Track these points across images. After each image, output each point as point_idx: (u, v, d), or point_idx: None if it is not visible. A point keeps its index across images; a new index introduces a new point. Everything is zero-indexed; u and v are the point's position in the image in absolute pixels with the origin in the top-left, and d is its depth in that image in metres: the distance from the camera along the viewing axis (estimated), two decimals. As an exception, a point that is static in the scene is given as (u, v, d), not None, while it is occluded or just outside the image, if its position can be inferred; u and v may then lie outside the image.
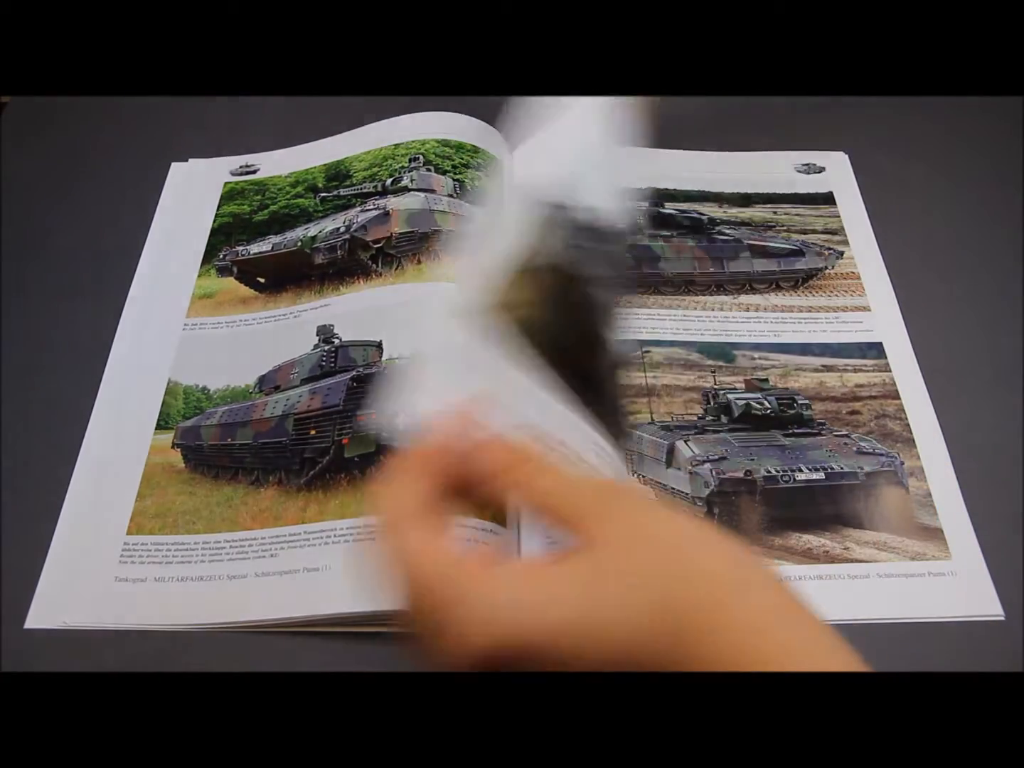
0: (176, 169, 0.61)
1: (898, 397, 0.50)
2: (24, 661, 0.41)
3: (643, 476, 0.47)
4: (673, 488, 0.46)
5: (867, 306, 0.54)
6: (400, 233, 0.52)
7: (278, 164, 0.61)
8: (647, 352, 0.51)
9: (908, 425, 0.49)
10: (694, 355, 0.51)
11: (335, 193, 0.57)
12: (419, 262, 0.51)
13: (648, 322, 0.53)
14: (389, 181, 0.56)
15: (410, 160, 0.57)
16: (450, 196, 0.55)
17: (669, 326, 0.53)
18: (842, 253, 0.56)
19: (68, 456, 0.47)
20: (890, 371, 0.51)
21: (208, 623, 0.42)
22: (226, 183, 0.60)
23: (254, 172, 0.61)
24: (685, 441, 0.47)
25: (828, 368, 0.51)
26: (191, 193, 0.60)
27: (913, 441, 0.48)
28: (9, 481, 0.47)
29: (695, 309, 0.54)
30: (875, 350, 0.52)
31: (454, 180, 0.56)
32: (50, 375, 0.51)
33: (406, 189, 0.55)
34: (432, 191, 0.55)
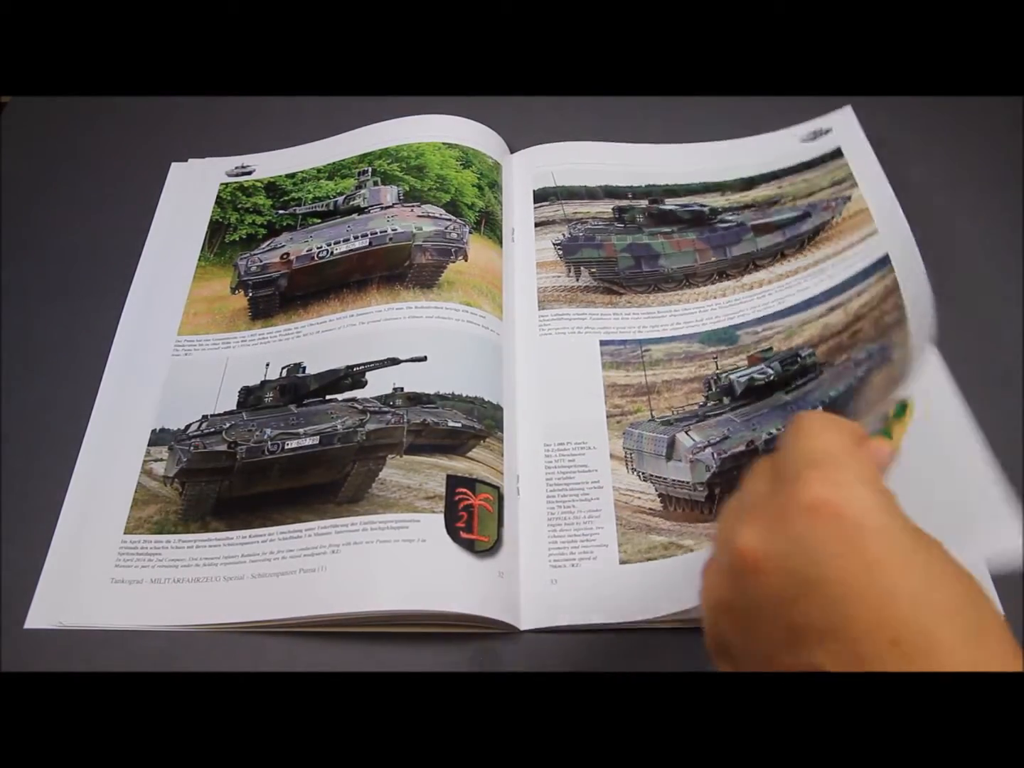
0: (176, 169, 0.61)
1: (898, 289, 0.47)
2: (24, 661, 0.41)
3: (643, 473, 0.47)
4: (673, 480, 0.46)
5: (874, 231, 0.52)
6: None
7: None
8: (647, 351, 0.51)
9: (906, 314, 0.46)
10: (695, 346, 0.51)
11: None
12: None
13: (648, 320, 0.52)
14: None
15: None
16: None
17: (669, 322, 0.52)
18: (849, 197, 0.55)
19: (68, 456, 0.47)
20: (894, 273, 0.49)
21: (204, 624, 0.42)
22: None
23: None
24: (686, 432, 0.47)
25: (833, 308, 0.50)
26: (191, 193, 0.60)
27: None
28: (9, 481, 0.47)
29: (696, 301, 0.53)
30: (880, 264, 0.50)
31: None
32: (50, 375, 0.51)
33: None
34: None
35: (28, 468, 0.47)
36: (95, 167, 0.61)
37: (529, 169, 0.60)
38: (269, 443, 0.46)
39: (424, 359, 0.48)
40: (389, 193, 0.57)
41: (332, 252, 0.54)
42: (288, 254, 0.55)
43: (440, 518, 0.43)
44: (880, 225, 0.52)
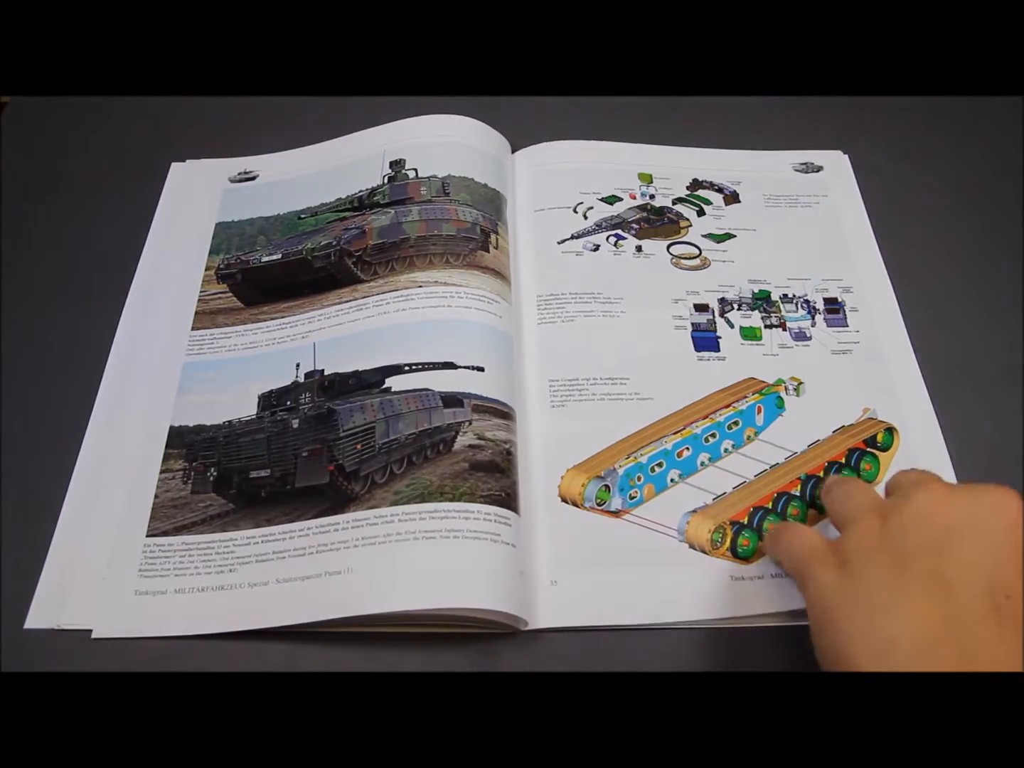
0: (176, 169, 0.61)
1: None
2: (24, 661, 0.41)
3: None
4: None
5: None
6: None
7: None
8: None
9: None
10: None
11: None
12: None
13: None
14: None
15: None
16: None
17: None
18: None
19: (68, 455, 0.47)
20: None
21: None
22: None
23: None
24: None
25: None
26: (190, 194, 0.60)
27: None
28: (9, 480, 0.47)
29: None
30: None
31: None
32: (50, 375, 0.51)
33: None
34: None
35: (29, 467, 0.47)
36: (95, 167, 0.61)
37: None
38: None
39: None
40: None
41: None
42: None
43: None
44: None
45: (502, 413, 0.47)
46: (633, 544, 0.44)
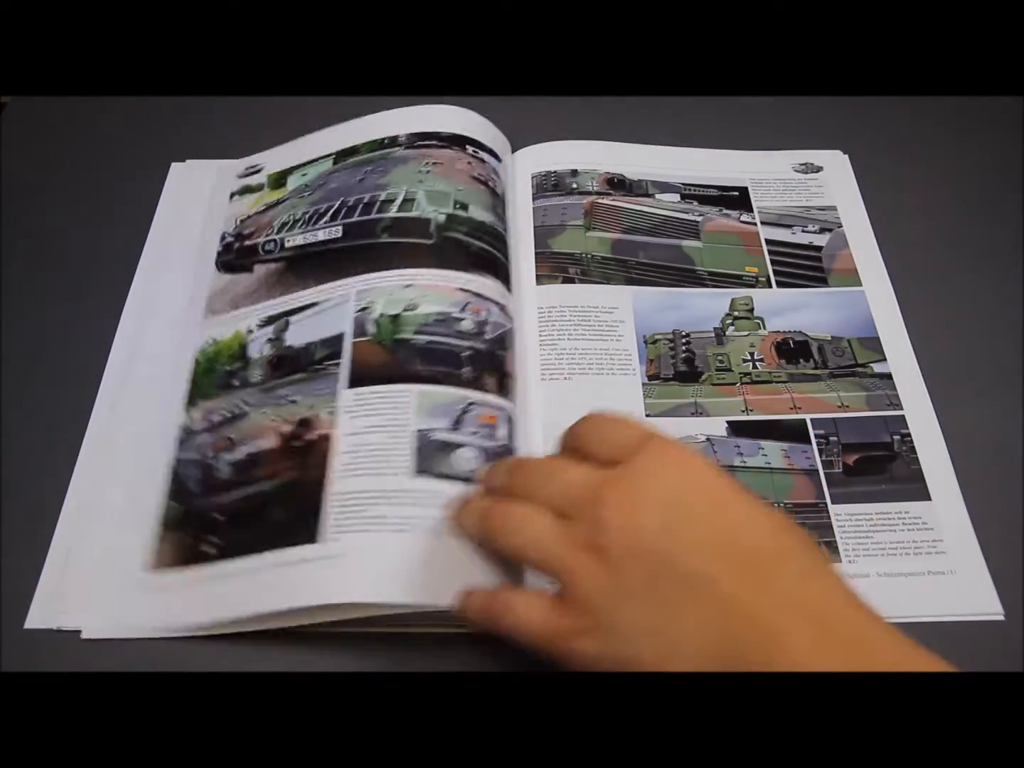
0: (176, 169, 0.61)
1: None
2: (24, 661, 0.41)
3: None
4: None
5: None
6: None
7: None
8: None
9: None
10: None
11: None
12: None
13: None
14: None
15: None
16: None
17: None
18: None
19: (68, 455, 0.47)
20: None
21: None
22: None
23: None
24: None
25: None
26: (190, 194, 0.60)
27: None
28: (9, 480, 0.47)
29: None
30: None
31: None
32: (50, 376, 0.51)
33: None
34: None
35: (29, 467, 0.47)
36: (95, 167, 0.61)
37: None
38: None
39: None
40: None
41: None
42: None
43: None
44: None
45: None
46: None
